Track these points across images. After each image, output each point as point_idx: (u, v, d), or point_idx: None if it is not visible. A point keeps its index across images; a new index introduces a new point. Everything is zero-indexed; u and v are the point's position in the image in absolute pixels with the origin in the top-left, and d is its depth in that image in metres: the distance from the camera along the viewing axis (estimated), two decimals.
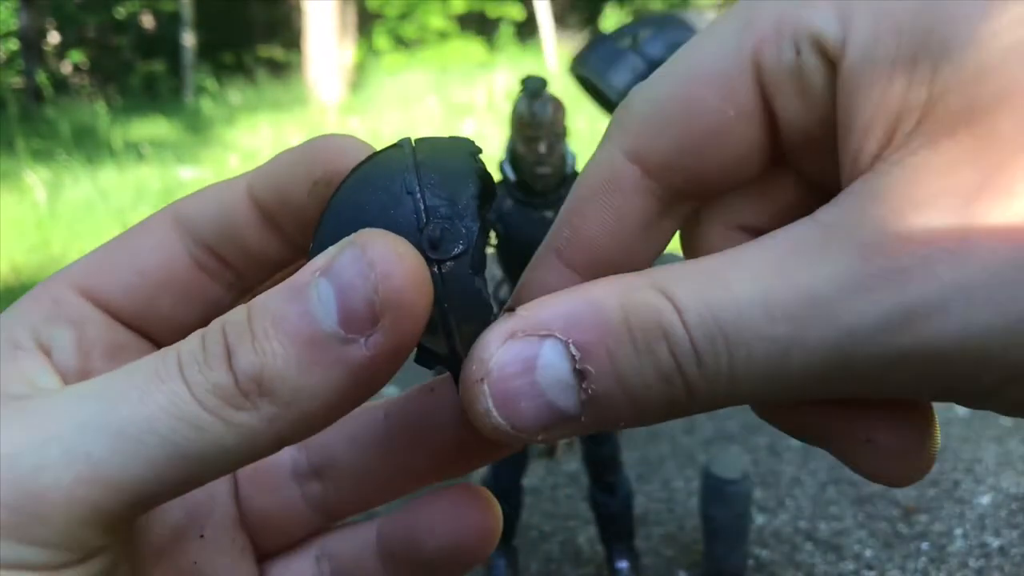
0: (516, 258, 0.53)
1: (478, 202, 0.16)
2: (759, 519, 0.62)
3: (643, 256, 0.18)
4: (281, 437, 0.15)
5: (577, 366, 0.14)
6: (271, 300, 0.15)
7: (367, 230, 0.15)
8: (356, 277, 0.15)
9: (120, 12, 8.07)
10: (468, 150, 0.17)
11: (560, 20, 7.33)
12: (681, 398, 0.15)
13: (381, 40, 7.58)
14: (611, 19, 6.52)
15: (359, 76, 7.04)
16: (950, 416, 0.77)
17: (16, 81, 7.11)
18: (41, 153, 4.55)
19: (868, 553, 0.56)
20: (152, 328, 0.19)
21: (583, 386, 0.15)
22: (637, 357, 0.14)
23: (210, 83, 6.68)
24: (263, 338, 0.15)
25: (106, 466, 0.14)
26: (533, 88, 0.56)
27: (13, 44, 7.34)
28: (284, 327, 0.15)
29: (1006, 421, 0.77)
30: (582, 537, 0.61)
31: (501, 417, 0.15)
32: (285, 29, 8.22)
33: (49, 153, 4.52)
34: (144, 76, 7.62)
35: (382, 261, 0.15)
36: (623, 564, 0.62)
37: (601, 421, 0.15)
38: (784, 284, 0.14)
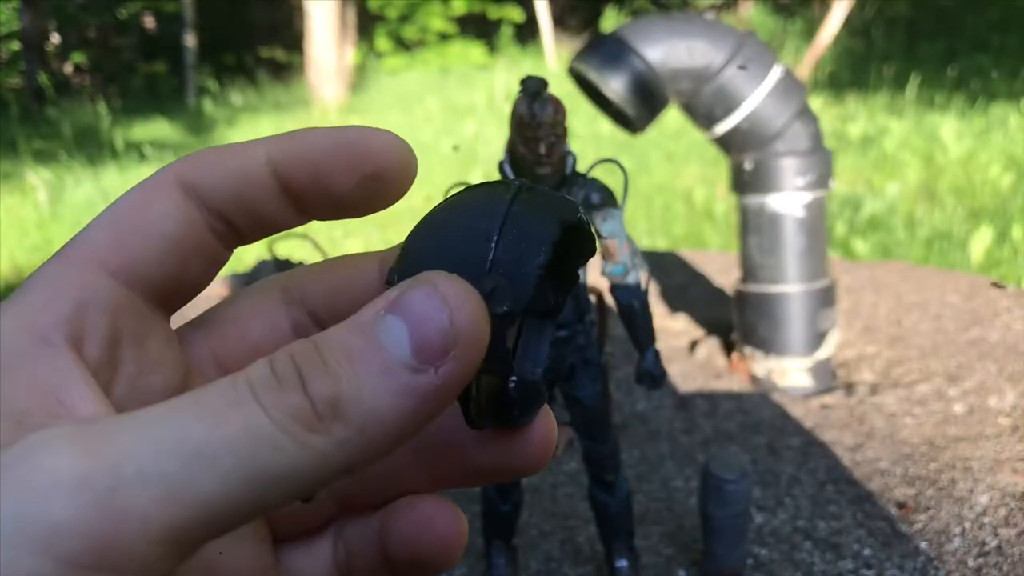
0: None
1: (543, 272, 0.17)
2: (758, 518, 0.62)
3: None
4: (351, 462, 0.15)
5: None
6: (338, 334, 0.16)
7: (431, 272, 0.16)
8: (430, 310, 0.16)
9: (122, 13, 8.08)
10: (562, 216, 0.17)
11: (560, 22, 7.33)
12: None
13: (382, 41, 7.59)
14: (611, 20, 6.53)
15: (360, 77, 7.05)
16: (948, 415, 0.78)
17: (17, 82, 7.12)
18: (43, 154, 4.56)
19: (867, 552, 0.56)
20: (174, 298, 0.20)
21: None
22: None
23: (211, 84, 6.69)
24: (336, 366, 0.15)
25: (183, 486, 0.14)
26: (533, 88, 0.56)
27: (15, 45, 7.35)
28: (356, 357, 0.15)
29: (1004, 420, 0.77)
30: (582, 536, 0.61)
31: None
32: (286, 30, 8.23)
33: (51, 154, 4.52)
34: (145, 77, 7.63)
35: (454, 297, 0.16)
36: (623, 563, 0.62)
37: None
38: None
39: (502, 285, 0.16)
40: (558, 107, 0.55)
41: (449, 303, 0.15)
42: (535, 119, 0.53)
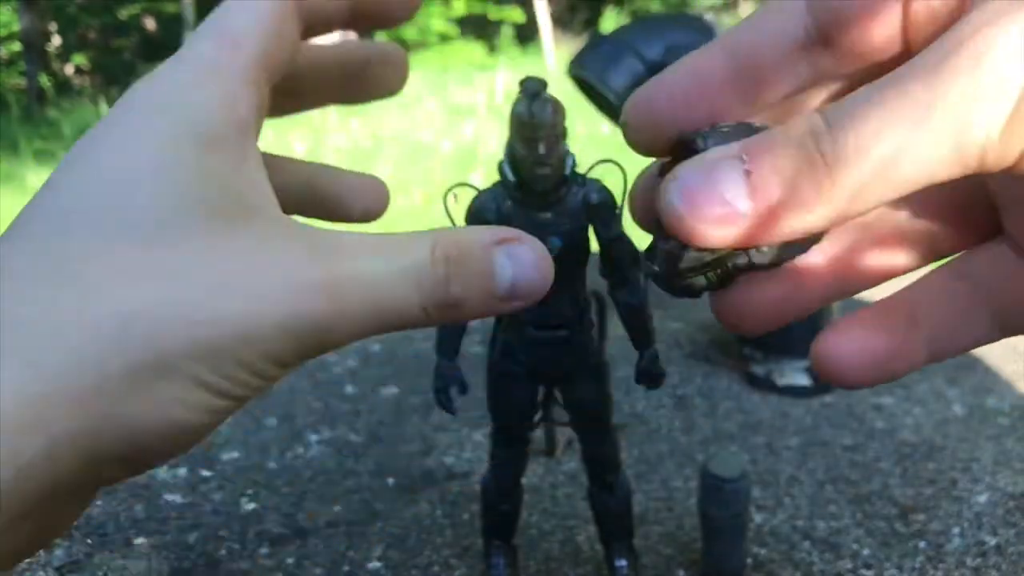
0: None
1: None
2: (757, 518, 0.62)
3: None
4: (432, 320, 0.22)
5: (745, 167, 0.18)
6: (471, 249, 0.22)
7: (529, 237, 0.23)
8: (530, 270, 0.22)
9: (122, 14, 8.09)
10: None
11: (560, 23, 7.34)
12: (823, 180, 0.17)
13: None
14: (610, 21, 6.54)
15: None
16: (948, 415, 0.78)
17: (18, 82, 7.13)
18: (44, 154, 4.56)
19: (866, 552, 0.56)
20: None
21: (748, 179, 0.18)
22: (790, 147, 0.18)
23: None
24: (467, 280, 0.22)
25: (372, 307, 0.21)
26: (532, 89, 0.56)
27: (16, 46, 7.36)
28: (478, 277, 0.22)
29: (1003, 420, 0.77)
30: (582, 536, 0.61)
31: (681, 203, 0.18)
32: None
33: (52, 154, 4.53)
34: None
35: (544, 263, 0.23)
36: (622, 563, 0.62)
37: (764, 217, 0.18)
38: None
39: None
40: (557, 108, 0.55)
41: (541, 267, 0.22)
42: (534, 119, 0.53)
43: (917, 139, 0.16)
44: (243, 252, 0.18)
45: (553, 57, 6.40)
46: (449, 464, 0.68)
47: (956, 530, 0.57)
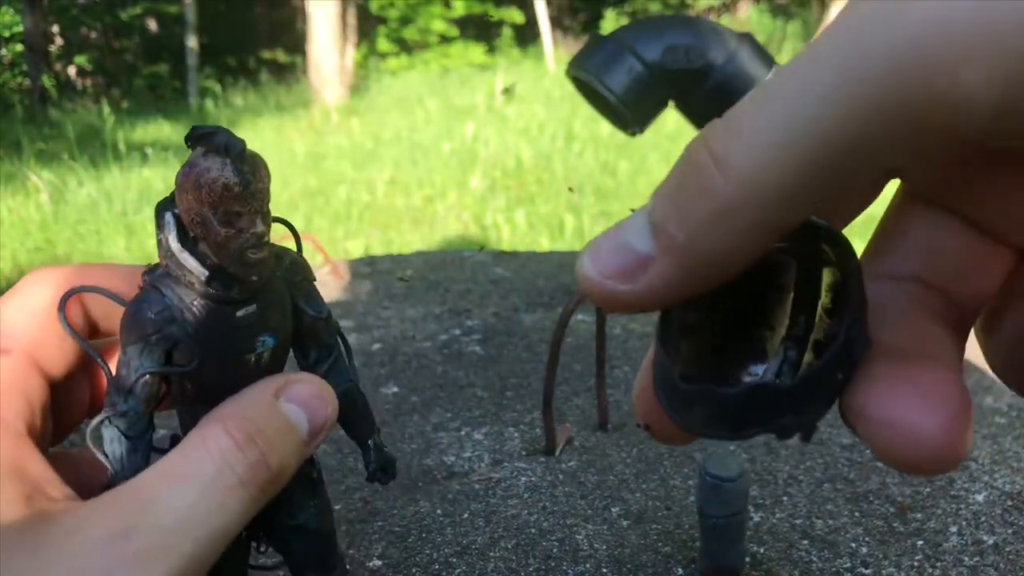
0: (209, 383, 0.31)
1: None
2: (755, 516, 0.62)
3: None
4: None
5: (651, 218, 0.16)
6: (260, 414, 0.25)
7: (311, 377, 0.28)
8: (316, 401, 0.26)
9: (124, 16, 8.10)
10: None
11: (560, 23, 7.35)
12: (722, 199, 0.15)
13: (383, 43, 7.61)
14: (610, 22, 6.54)
15: (361, 78, 7.07)
16: None
17: (20, 82, 7.15)
18: (46, 155, 4.58)
19: (864, 550, 0.57)
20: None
21: (654, 228, 0.16)
22: (686, 191, 0.16)
23: (213, 85, 6.71)
24: (278, 448, 0.24)
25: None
26: (236, 146, 0.34)
27: (19, 47, 7.38)
28: (284, 440, 0.24)
29: (1001, 419, 0.77)
30: (581, 535, 0.61)
31: (590, 264, 0.17)
32: (288, 32, 8.26)
33: (54, 155, 4.54)
34: (148, 79, 7.66)
35: (331, 400, 0.27)
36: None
37: (672, 258, 0.16)
38: None
39: None
40: (264, 165, 0.34)
41: (323, 395, 0.26)
42: (248, 187, 0.32)
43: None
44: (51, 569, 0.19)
45: (552, 58, 6.40)
46: (449, 463, 0.68)
47: (954, 529, 0.57)
